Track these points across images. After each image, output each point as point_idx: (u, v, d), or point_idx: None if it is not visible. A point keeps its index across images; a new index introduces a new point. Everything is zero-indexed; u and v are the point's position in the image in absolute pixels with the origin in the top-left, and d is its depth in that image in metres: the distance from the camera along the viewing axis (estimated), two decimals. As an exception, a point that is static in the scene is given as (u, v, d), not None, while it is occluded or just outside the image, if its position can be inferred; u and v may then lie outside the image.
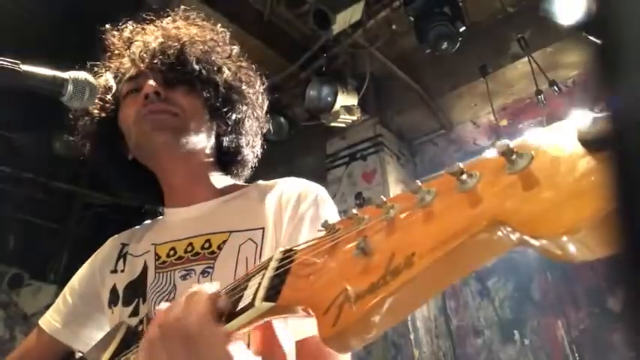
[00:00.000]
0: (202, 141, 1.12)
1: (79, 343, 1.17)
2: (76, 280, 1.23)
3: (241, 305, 0.56)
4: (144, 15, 1.24)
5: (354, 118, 3.99)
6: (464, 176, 0.42)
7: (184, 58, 1.12)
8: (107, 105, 1.14)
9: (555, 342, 3.56)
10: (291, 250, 0.58)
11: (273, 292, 0.53)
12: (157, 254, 1.09)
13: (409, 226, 0.45)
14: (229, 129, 1.18)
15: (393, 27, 3.86)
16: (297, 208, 1.01)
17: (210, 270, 0.99)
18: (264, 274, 0.57)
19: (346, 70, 4.13)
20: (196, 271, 1.00)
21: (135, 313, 1.03)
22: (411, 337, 3.49)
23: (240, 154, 1.23)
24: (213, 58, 1.16)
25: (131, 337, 0.93)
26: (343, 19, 3.30)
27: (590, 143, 0.37)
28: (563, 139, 0.39)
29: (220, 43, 1.21)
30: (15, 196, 4.65)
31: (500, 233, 0.39)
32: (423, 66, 4.14)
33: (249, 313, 0.54)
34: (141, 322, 1.01)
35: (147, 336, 0.63)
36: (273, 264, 0.58)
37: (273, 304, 0.52)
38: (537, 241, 0.36)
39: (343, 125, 4.04)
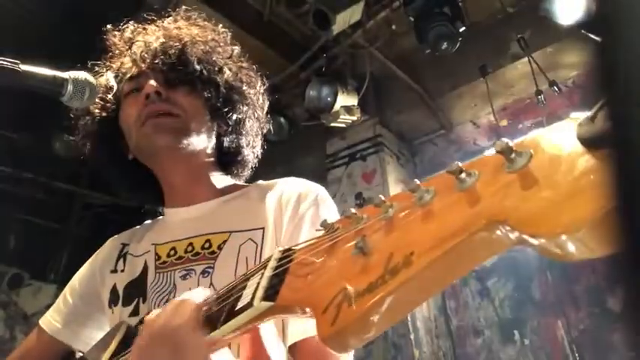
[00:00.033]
0: (203, 141, 1.12)
1: (79, 342, 1.17)
2: (76, 280, 1.23)
3: (240, 305, 0.56)
4: (145, 15, 1.24)
5: (354, 118, 3.99)
6: (463, 175, 0.42)
7: (186, 59, 1.12)
8: (108, 104, 1.14)
9: (555, 342, 3.55)
10: (289, 249, 0.58)
11: (271, 292, 0.53)
12: (157, 254, 1.09)
13: (408, 225, 0.45)
14: (230, 129, 1.18)
15: (393, 27, 3.86)
16: (298, 208, 1.01)
17: (210, 270, 0.99)
18: (262, 274, 0.57)
19: (346, 70, 4.13)
20: (196, 271, 1.00)
21: (135, 312, 1.03)
22: (411, 337, 3.48)
23: (240, 155, 1.23)
24: (214, 58, 1.16)
25: (131, 337, 0.93)
26: (343, 20, 3.30)
27: (590, 142, 0.36)
28: (562, 137, 0.39)
29: (221, 44, 1.21)
30: (15, 196, 4.65)
31: (499, 232, 0.39)
32: (423, 66, 4.14)
33: (248, 312, 0.54)
34: (141, 321, 1.00)
35: (136, 342, 0.65)
36: (272, 263, 0.58)
37: (271, 303, 0.52)
38: (536, 240, 0.36)
39: (343, 125, 4.04)
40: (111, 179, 1.24)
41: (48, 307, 1.25)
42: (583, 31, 2.98)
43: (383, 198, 0.48)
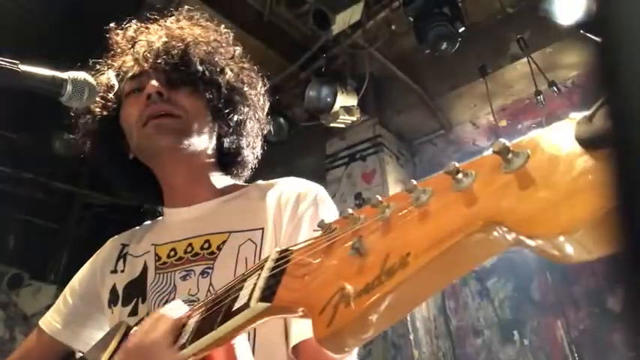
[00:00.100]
0: (204, 142, 1.12)
1: (79, 343, 1.17)
2: (76, 281, 1.23)
3: (237, 306, 0.56)
4: (147, 14, 1.24)
5: (354, 118, 3.99)
6: (459, 175, 0.42)
7: (188, 59, 1.11)
8: (109, 103, 1.14)
9: (555, 342, 3.55)
10: (287, 250, 0.58)
11: (268, 293, 0.53)
12: (157, 255, 1.09)
13: (404, 226, 0.44)
14: (231, 130, 1.18)
15: (393, 27, 3.86)
16: (297, 208, 1.01)
17: (209, 270, 0.99)
18: (259, 275, 0.57)
19: (346, 70, 4.13)
20: (196, 272, 1.00)
21: (134, 312, 1.03)
22: (411, 337, 3.48)
23: (240, 155, 1.23)
24: (216, 59, 1.16)
25: None
26: (343, 20, 3.30)
27: (588, 142, 0.36)
28: (560, 138, 0.39)
29: (223, 44, 1.21)
30: (15, 196, 4.65)
31: (496, 233, 0.38)
32: (423, 66, 4.14)
33: (245, 313, 0.54)
34: (140, 321, 1.01)
35: (119, 357, 0.67)
36: (269, 264, 0.58)
37: (268, 304, 0.52)
38: (533, 241, 0.35)
39: (343, 126, 4.04)
40: (111, 178, 1.24)
41: (48, 307, 1.25)
42: (583, 31, 2.98)
43: (380, 198, 0.48)
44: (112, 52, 1.21)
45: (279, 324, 0.92)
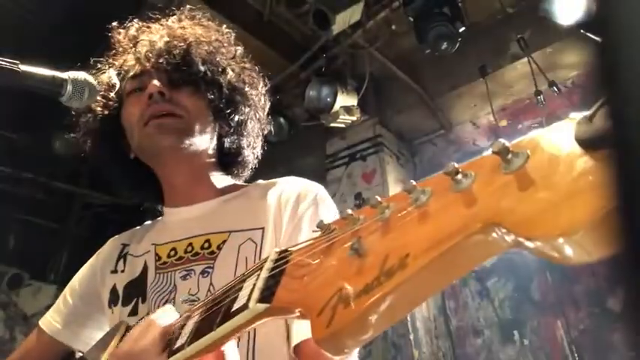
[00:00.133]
0: (205, 142, 1.12)
1: (79, 343, 1.17)
2: (76, 281, 1.23)
3: (236, 306, 0.56)
4: (150, 14, 1.24)
5: (354, 118, 3.99)
6: (459, 176, 0.42)
7: (190, 59, 1.11)
8: (110, 102, 1.14)
9: (555, 342, 3.55)
10: (286, 250, 0.58)
11: (267, 294, 0.53)
12: (157, 254, 1.09)
13: (404, 227, 0.44)
14: (232, 130, 1.18)
15: (393, 27, 3.86)
16: (297, 207, 1.01)
17: (210, 270, 0.99)
18: (258, 275, 0.57)
19: (346, 70, 4.13)
20: (196, 271, 1.01)
21: (134, 312, 1.03)
22: (411, 337, 3.48)
23: (241, 155, 1.23)
24: (218, 59, 1.16)
25: None
26: (343, 20, 3.30)
27: (588, 142, 0.36)
28: (560, 138, 0.39)
29: (225, 44, 1.21)
30: (15, 196, 4.65)
31: (495, 235, 0.38)
32: (423, 66, 4.14)
33: (244, 314, 0.54)
34: (140, 321, 1.00)
35: None
36: (268, 265, 0.57)
37: (267, 305, 0.52)
38: (532, 242, 0.35)
39: (343, 125, 4.04)
40: (111, 178, 1.24)
41: (48, 307, 1.25)
42: (583, 31, 2.98)
43: (379, 199, 0.48)
44: (114, 51, 1.21)
45: (279, 324, 0.92)
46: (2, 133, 4.45)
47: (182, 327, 0.66)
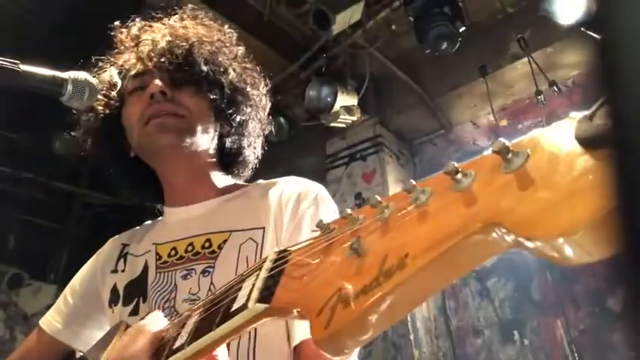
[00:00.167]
0: (206, 142, 1.12)
1: (79, 343, 1.17)
2: (76, 281, 1.23)
3: (235, 307, 0.56)
4: (152, 13, 1.23)
5: (354, 118, 3.99)
6: (459, 175, 0.42)
7: (192, 59, 1.11)
8: (111, 101, 1.14)
9: (555, 342, 3.55)
10: (285, 250, 0.57)
11: (267, 294, 0.53)
12: (157, 254, 1.09)
13: (403, 227, 0.44)
14: (233, 130, 1.18)
15: (393, 27, 3.86)
16: (297, 207, 1.01)
17: (210, 269, 0.99)
18: (258, 275, 0.57)
19: (346, 70, 4.13)
20: (197, 271, 1.01)
21: (135, 312, 1.03)
22: (411, 337, 3.48)
23: (241, 155, 1.23)
24: (220, 59, 1.16)
25: None
26: (343, 20, 3.30)
27: (588, 142, 0.36)
28: (560, 137, 0.38)
29: (227, 44, 1.21)
30: (15, 196, 4.65)
31: (495, 234, 0.38)
32: (423, 66, 4.14)
33: (243, 314, 0.53)
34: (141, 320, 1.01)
35: None
36: (267, 265, 0.57)
37: (266, 305, 0.52)
38: (532, 242, 0.35)
39: (343, 125, 4.04)
40: (112, 177, 1.24)
41: (48, 307, 1.24)
42: (584, 29, 2.98)
43: (379, 198, 0.48)
44: (116, 50, 1.20)
45: (279, 324, 0.92)
46: (2, 133, 4.44)
47: (182, 326, 0.66)
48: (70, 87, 0.89)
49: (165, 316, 0.97)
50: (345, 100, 3.90)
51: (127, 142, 1.15)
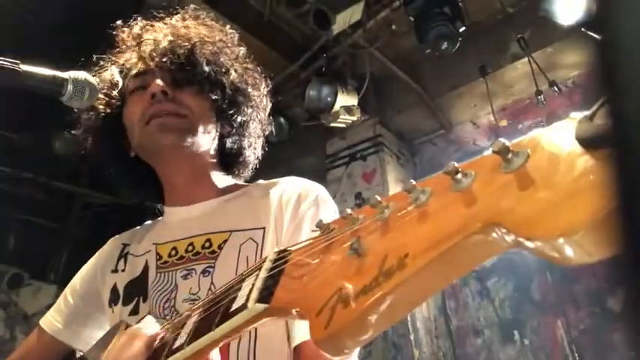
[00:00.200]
0: (207, 142, 1.12)
1: (79, 342, 1.17)
2: (77, 280, 1.23)
3: (235, 307, 0.55)
4: (155, 13, 1.23)
5: (354, 118, 3.99)
6: (459, 175, 0.42)
7: (194, 59, 1.11)
8: (112, 101, 1.13)
9: (555, 342, 3.55)
10: (285, 250, 0.57)
11: (266, 294, 0.52)
12: (158, 254, 1.09)
13: (403, 227, 0.44)
14: (234, 131, 1.18)
15: (393, 27, 3.86)
16: (298, 207, 1.01)
17: (210, 269, 0.99)
18: (257, 275, 0.56)
19: (346, 70, 4.13)
20: (197, 271, 1.01)
21: (135, 311, 1.03)
22: (411, 337, 3.48)
23: (242, 156, 1.23)
24: (222, 59, 1.16)
25: None
26: (343, 20, 3.30)
27: (589, 142, 0.36)
28: (561, 137, 0.38)
29: (229, 45, 1.21)
30: (15, 196, 4.65)
31: (495, 235, 0.38)
32: (423, 66, 4.14)
33: (243, 314, 0.53)
34: (141, 320, 1.01)
35: None
36: (267, 265, 0.57)
37: (266, 305, 0.51)
38: (532, 243, 0.35)
39: (343, 125, 4.04)
40: (112, 176, 1.24)
41: (48, 307, 1.24)
42: (584, 29, 2.97)
43: (379, 198, 0.48)
44: (118, 49, 1.20)
45: (279, 325, 0.92)
46: (2, 133, 4.45)
47: (182, 326, 0.66)
48: (70, 87, 0.89)
49: (166, 315, 0.97)
50: (345, 100, 3.90)
51: (127, 141, 1.15)
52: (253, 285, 0.55)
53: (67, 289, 1.23)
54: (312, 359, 0.86)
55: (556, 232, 0.33)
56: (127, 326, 0.96)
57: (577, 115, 0.39)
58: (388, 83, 4.34)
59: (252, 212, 1.05)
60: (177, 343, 0.63)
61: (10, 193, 4.59)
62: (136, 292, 1.06)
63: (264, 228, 1.01)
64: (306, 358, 0.87)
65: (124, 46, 1.19)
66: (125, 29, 1.21)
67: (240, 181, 1.25)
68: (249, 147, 1.23)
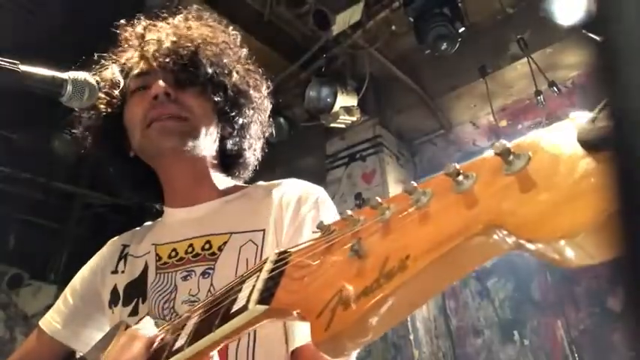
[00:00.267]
0: (208, 145, 1.12)
1: (79, 343, 1.16)
2: (77, 281, 1.22)
3: (235, 308, 0.55)
4: (157, 12, 1.23)
5: (354, 118, 3.99)
6: (460, 177, 0.41)
7: (198, 60, 1.10)
8: (113, 100, 1.12)
9: (555, 342, 3.55)
10: (285, 251, 0.57)
11: (267, 295, 0.52)
12: (157, 255, 1.08)
13: (404, 228, 0.44)
14: (234, 132, 1.18)
15: (393, 28, 3.85)
16: (298, 210, 1.01)
17: (210, 271, 0.99)
18: (258, 276, 0.56)
19: (346, 70, 4.13)
20: (197, 272, 1.00)
21: (134, 312, 1.03)
22: (411, 337, 3.48)
23: (242, 157, 1.23)
24: (224, 60, 1.15)
25: None
26: (343, 20, 3.30)
27: (590, 143, 0.36)
28: (562, 139, 0.38)
29: (231, 46, 1.20)
30: (15, 196, 4.65)
31: (496, 236, 0.38)
32: (423, 67, 4.14)
33: (243, 316, 0.53)
34: (140, 321, 1.00)
35: None
36: (268, 266, 0.57)
37: (266, 306, 0.51)
38: (533, 244, 0.35)
39: (343, 126, 4.05)
40: (111, 176, 1.24)
41: (48, 307, 1.24)
42: (584, 30, 2.97)
43: (380, 200, 0.48)
44: (120, 48, 1.19)
45: (278, 326, 0.92)
46: (2, 132, 4.44)
47: (182, 327, 0.66)
48: (69, 87, 0.89)
49: (165, 317, 0.97)
50: (345, 100, 3.90)
51: (127, 141, 1.15)
52: (254, 286, 0.55)
53: (67, 290, 1.22)
54: None
55: (557, 234, 0.33)
56: (127, 327, 0.96)
57: (577, 115, 0.39)
58: (388, 84, 4.34)
59: (252, 214, 1.05)
60: (178, 345, 0.63)
61: (10, 193, 4.59)
62: (135, 293, 1.06)
63: (264, 230, 1.01)
64: None
65: (126, 45, 1.18)
66: (128, 28, 1.20)
67: (240, 182, 1.25)
68: (249, 148, 1.23)
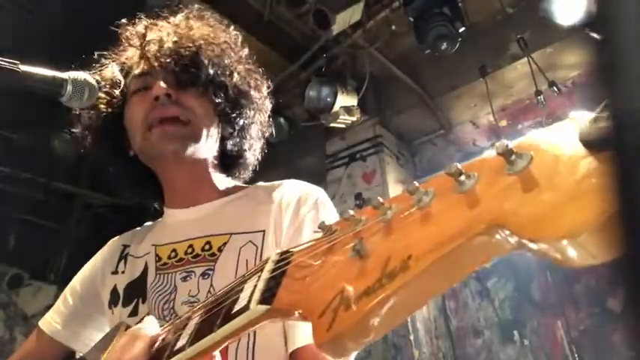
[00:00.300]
0: (209, 147, 1.11)
1: (78, 343, 1.16)
2: (77, 281, 1.22)
3: (236, 308, 0.55)
4: (157, 11, 1.22)
5: (354, 118, 3.99)
6: (462, 177, 0.41)
7: (199, 61, 1.10)
8: (114, 100, 1.12)
9: (555, 342, 3.55)
10: (287, 251, 0.57)
11: (268, 295, 0.52)
12: (157, 255, 1.08)
13: (406, 228, 0.44)
14: (235, 133, 1.18)
15: (393, 27, 3.85)
16: (298, 211, 1.01)
17: (210, 272, 0.99)
18: (259, 276, 0.56)
19: (346, 70, 4.13)
20: (196, 273, 1.00)
21: (134, 313, 1.03)
22: (411, 337, 3.48)
23: (242, 158, 1.23)
24: (225, 61, 1.15)
25: None
26: (343, 20, 3.30)
27: (592, 143, 0.36)
28: (563, 139, 0.38)
29: (232, 46, 1.20)
30: (15, 196, 4.65)
31: (498, 236, 0.38)
32: (423, 66, 4.14)
33: (245, 316, 0.53)
34: (140, 321, 1.00)
35: None
36: (269, 266, 0.57)
37: (268, 306, 0.51)
38: (536, 244, 0.35)
39: (343, 126, 4.04)
40: (111, 176, 1.23)
41: (48, 307, 1.24)
42: (585, 30, 2.98)
43: (381, 200, 0.48)
44: (121, 47, 1.19)
45: (278, 326, 0.92)
46: (2, 133, 4.44)
47: (184, 327, 0.66)
48: (69, 87, 0.89)
49: (165, 317, 0.97)
50: (345, 100, 3.90)
51: (127, 141, 1.15)
52: (255, 286, 0.55)
53: (67, 290, 1.22)
54: None
55: (559, 234, 0.33)
56: (127, 327, 0.96)
57: (577, 115, 0.39)
58: (388, 83, 4.34)
59: (252, 215, 1.05)
60: (179, 344, 0.63)
61: (10, 193, 4.59)
62: (135, 293, 1.06)
63: (263, 231, 1.01)
64: None
65: (127, 44, 1.17)
66: (129, 27, 1.20)
67: (240, 183, 1.25)
68: (249, 149, 1.22)
